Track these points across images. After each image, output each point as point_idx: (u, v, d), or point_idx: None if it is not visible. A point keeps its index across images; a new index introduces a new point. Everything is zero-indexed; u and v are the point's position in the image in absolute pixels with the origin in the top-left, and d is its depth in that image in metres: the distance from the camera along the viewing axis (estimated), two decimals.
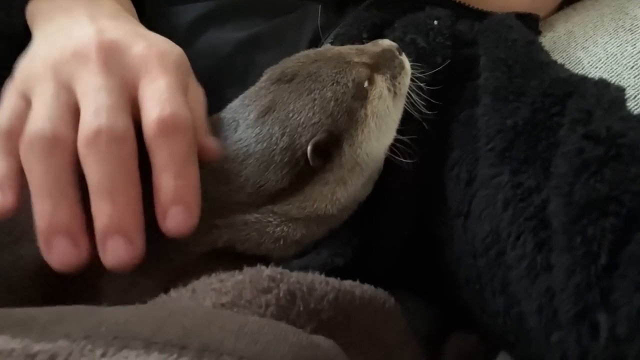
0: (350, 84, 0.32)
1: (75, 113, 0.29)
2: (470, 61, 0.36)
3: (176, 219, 0.28)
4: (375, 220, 0.33)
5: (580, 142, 0.27)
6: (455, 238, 0.32)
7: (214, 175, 0.32)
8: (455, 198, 0.32)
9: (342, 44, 0.41)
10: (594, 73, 0.42)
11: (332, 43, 0.43)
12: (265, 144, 0.31)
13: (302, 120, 0.31)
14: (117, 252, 0.27)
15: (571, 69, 0.43)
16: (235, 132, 0.33)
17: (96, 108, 0.28)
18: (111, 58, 0.30)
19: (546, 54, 0.36)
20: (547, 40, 0.46)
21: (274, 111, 0.32)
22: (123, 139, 0.28)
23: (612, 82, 0.40)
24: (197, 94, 0.33)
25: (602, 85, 0.31)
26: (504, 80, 0.32)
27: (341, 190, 0.32)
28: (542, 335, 0.26)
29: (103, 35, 0.31)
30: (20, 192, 0.28)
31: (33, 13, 0.37)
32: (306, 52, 0.35)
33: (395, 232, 0.34)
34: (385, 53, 0.34)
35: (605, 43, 0.43)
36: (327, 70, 0.32)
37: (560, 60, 0.44)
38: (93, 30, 0.32)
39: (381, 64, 0.34)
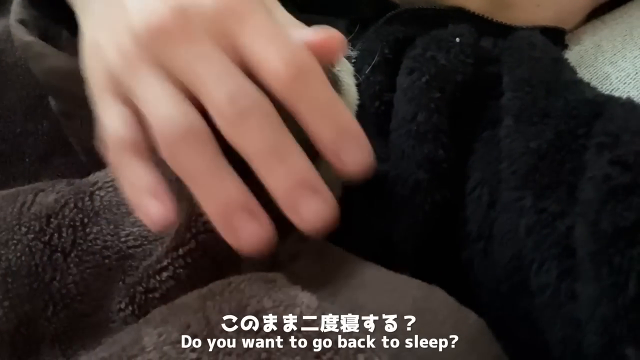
0: None
1: (188, 94, 0.27)
2: (493, 79, 0.35)
3: (353, 154, 0.27)
4: (392, 241, 0.33)
5: (606, 168, 0.26)
6: (477, 262, 0.31)
7: None
8: (476, 221, 0.31)
9: (364, 60, 0.41)
10: (623, 88, 0.41)
11: (355, 58, 0.43)
12: None
13: None
14: (312, 207, 0.26)
15: (599, 84, 0.42)
16: None
17: (215, 80, 0.26)
18: (192, 23, 0.27)
19: (572, 71, 0.35)
20: (574, 54, 0.45)
21: None
22: (260, 102, 0.26)
23: None
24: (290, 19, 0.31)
25: (630, 106, 0.30)
26: (527, 101, 0.31)
27: None
28: None
29: (168, 2, 0.27)
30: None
31: None
32: None
33: (413, 253, 0.33)
34: None
35: (635, 57, 0.42)
36: None
37: (587, 75, 0.43)
38: None
39: None
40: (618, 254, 0.24)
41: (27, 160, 0.39)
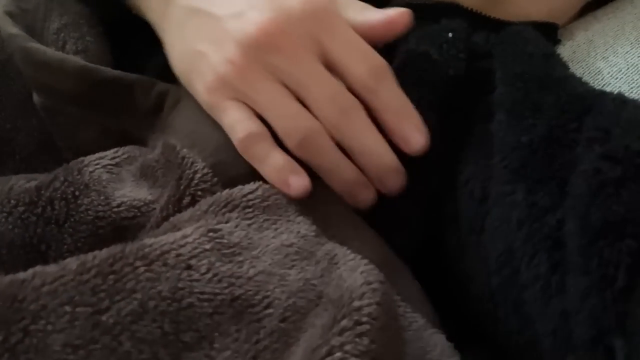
0: None
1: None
2: (485, 74, 0.35)
3: (413, 134, 0.34)
4: (383, 233, 0.33)
5: (597, 162, 0.26)
6: (469, 255, 0.32)
7: None
8: (468, 214, 0.32)
9: None
10: (614, 84, 0.41)
11: None
12: None
13: None
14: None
15: (591, 79, 0.42)
16: None
17: (317, 84, 0.32)
18: (288, 32, 0.32)
19: (564, 67, 0.36)
20: (567, 49, 0.45)
21: None
22: (354, 101, 0.33)
23: (633, 93, 0.40)
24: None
25: (620, 101, 0.30)
26: (519, 96, 0.32)
27: None
28: (556, 358, 0.26)
29: (263, 12, 0.32)
30: None
31: None
32: None
33: (404, 245, 0.34)
34: None
35: (626, 53, 0.42)
36: None
37: (579, 70, 0.43)
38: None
39: None
40: (607, 246, 0.24)
41: (17, 156, 0.39)
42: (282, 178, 0.32)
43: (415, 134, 0.33)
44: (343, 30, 0.33)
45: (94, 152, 0.36)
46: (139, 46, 0.46)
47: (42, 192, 0.32)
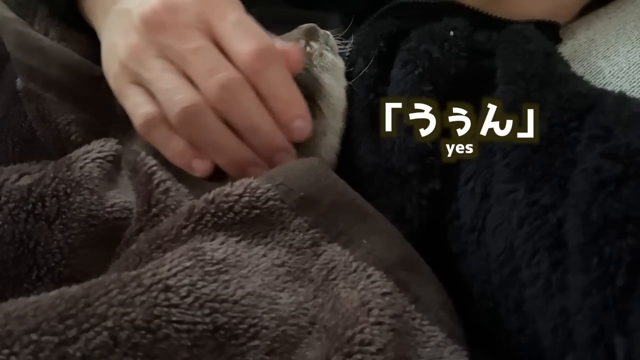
0: None
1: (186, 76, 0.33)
2: (486, 73, 0.35)
3: (297, 121, 0.34)
4: None
5: (598, 160, 0.26)
6: (469, 253, 0.31)
7: None
8: (469, 212, 0.32)
9: (359, 53, 0.41)
10: (616, 83, 0.41)
11: (350, 52, 0.43)
12: None
13: None
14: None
15: (592, 78, 0.42)
16: None
17: (198, 59, 0.33)
18: (179, 14, 0.33)
19: (565, 65, 0.36)
20: (568, 48, 0.45)
21: None
22: (234, 74, 0.32)
23: (634, 92, 0.40)
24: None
25: (622, 100, 0.30)
26: (521, 95, 0.32)
27: (332, 135, 0.38)
28: (556, 356, 0.26)
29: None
30: None
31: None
32: None
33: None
34: (310, 29, 0.40)
35: (628, 52, 0.42)
36: None
37: (581, 69, 0.43)
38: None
39: (312, 34, 0.41)
40: (608, 245, 0.24)
41: (9, 141, 0.40)
42: (184, 162, 0.33)
43: (299, 122, 0.34)
44: (235, 14, 0.33)
45: (62, 140, 0.37)
46: None
47: (33, 188, 0.32)
